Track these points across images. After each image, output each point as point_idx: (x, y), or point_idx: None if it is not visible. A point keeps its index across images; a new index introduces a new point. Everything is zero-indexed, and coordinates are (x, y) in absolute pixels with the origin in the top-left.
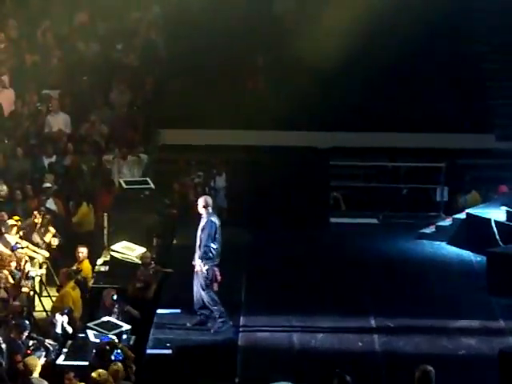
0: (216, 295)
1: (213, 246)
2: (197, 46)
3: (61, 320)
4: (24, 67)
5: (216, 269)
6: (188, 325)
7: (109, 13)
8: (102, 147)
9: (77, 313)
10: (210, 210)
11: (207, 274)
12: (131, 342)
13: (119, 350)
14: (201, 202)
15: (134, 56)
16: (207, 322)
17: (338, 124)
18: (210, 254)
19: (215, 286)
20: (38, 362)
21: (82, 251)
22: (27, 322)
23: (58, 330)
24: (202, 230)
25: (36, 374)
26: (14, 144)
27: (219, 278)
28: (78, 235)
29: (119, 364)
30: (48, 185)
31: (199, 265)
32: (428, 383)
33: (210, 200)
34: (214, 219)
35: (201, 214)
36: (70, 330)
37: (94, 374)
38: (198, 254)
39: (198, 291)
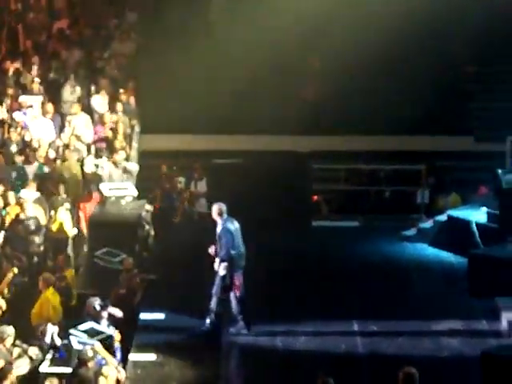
0: (221, 305)
1: (232, 252)
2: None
3: (51, 330)
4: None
5: (236, 274)
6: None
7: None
8: (83, 154)
9: (56, 319)
10: (225, 217)
11: (224, 278)
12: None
13: (101, 356)
14: (215, 209)
15: (114, 62)
16: (250, 324)
17: (318, 128)
18: (229, 260)
19: (236, 292)
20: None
21: (64, 258)
22: (11, 328)
23: (47, 339)
24: (219, 238)
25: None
26: None
27: (237, 283)
28: (59, 242)
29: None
30: (29, 192)
31: (217, 264)
32: None
33: (223, 207)
34: (230, 225)
35: (215, 221)
36: (58, 341)
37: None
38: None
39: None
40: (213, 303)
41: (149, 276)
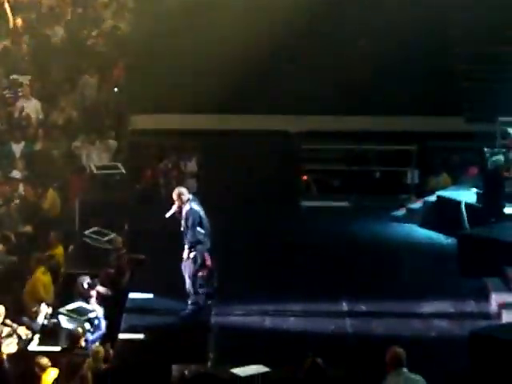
0: (199, 284)
1: (199, 230)
2: (164, 30)
3: (45, 311)
4: None
5: (206, 254)
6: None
7: None
8: (71, 133)
9: (48, 298)
10: (188, 198)
11: (195, 259)
12: (103, 327)
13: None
14: (174, 195)
15: (103, 41)
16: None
17: (309, 108)
18: (198, 239)
19: (204, 272)
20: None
21: (55, 237)
22: (2, 307)
23: (40, 319)
24: (186, 220)
25: None
26: None
27: (208, 263)
28: (48, 221)
29: (100, 347)
30: (17, 171)
31: (186, 253)
32: (399, 364)
33: (182, 189)
34: (195, 206)
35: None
36: (51, 323)
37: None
38: (185, 241)
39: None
40: (188, 285)
41: (138, 256)
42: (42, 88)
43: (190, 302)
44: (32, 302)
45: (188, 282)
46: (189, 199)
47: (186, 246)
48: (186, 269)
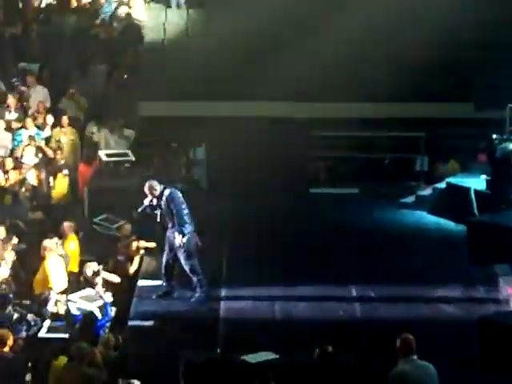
0: (198, 265)
1: (185, 212)
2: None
3: (55, 298)
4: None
5: (195, 234)
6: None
7: None
8: (81, 120)
9: (59, 285)
10: (160, 189)
11: (188, 243)
12: (112, 314)
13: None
14: (146, 189)
15: (111, 28)
16: (173, 293)
17: (317, 94)
18: (186, 220)
19: (198, 252)
20: (10, 335)
21: (68, 225)
22: (11, 295)
23: (50, 307)
24: (168, 205)
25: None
26: None
27: (200, 243)
28: (58, 208)
29: (110, 334)
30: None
31: (179, 238)
32: (409, 352)
33: (153, 182)
34: (172, 191)
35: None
36: (62, 310)
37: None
38: (172, 229)
39: (168, 262)
40: (189, 270)
41: (147, 243)
42: (51, 76)
43: (196, 286)
44: (42, 289)
45: (187, 266)
46: (162, 191)
47: (176, 232)
48: (182, 254)
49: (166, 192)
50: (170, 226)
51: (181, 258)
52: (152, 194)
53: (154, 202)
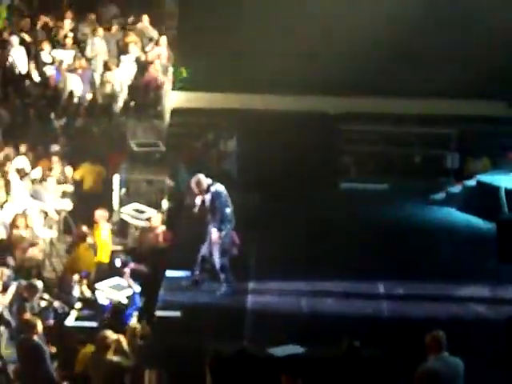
0: (228, 262)
1: (227, 211)
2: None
3: (83, 285)
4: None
5: (233, 232)
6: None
7: None
8: (113, 110)
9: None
10: (208, 183)
11: (225, 240)
12: (140, 304)
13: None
14: (192, 184)
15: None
16: (201, 284)
17: (350, 89)
18: (228, 218)
19: (234, 250)
20: (38, 321)
21: (101, 214)
22: (40, 283)
23: (76, 293)
24: (212, 202)
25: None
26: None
27: (237, 241)
28: (88, 197)
29: (137, 323)
30: (57, 147)
31: (216, 234)
32: (439, 348)
33: (200, 177)
34: (219, 188)
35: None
36: (88, 293)
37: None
38: (212, 223)
39: (205, 254)
40: (219, 265)
41: (175, 234)
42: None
43: (223, 281)
44: (71, 277)
45: (218, 264)
46: (209, 185)
47: (215, 228)
48: (216, 249)
49: (213, 188)
50: (210, 220)
51: (214, 253)
52: (199, 188)
53: (207, 199)
